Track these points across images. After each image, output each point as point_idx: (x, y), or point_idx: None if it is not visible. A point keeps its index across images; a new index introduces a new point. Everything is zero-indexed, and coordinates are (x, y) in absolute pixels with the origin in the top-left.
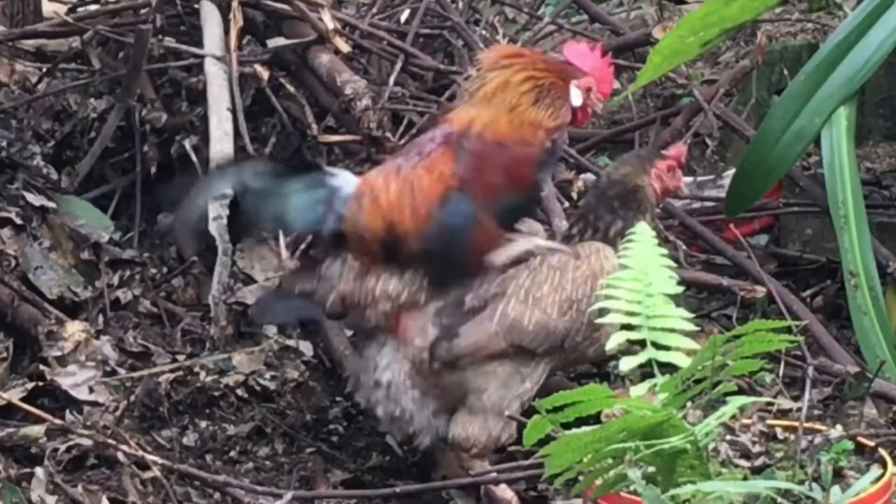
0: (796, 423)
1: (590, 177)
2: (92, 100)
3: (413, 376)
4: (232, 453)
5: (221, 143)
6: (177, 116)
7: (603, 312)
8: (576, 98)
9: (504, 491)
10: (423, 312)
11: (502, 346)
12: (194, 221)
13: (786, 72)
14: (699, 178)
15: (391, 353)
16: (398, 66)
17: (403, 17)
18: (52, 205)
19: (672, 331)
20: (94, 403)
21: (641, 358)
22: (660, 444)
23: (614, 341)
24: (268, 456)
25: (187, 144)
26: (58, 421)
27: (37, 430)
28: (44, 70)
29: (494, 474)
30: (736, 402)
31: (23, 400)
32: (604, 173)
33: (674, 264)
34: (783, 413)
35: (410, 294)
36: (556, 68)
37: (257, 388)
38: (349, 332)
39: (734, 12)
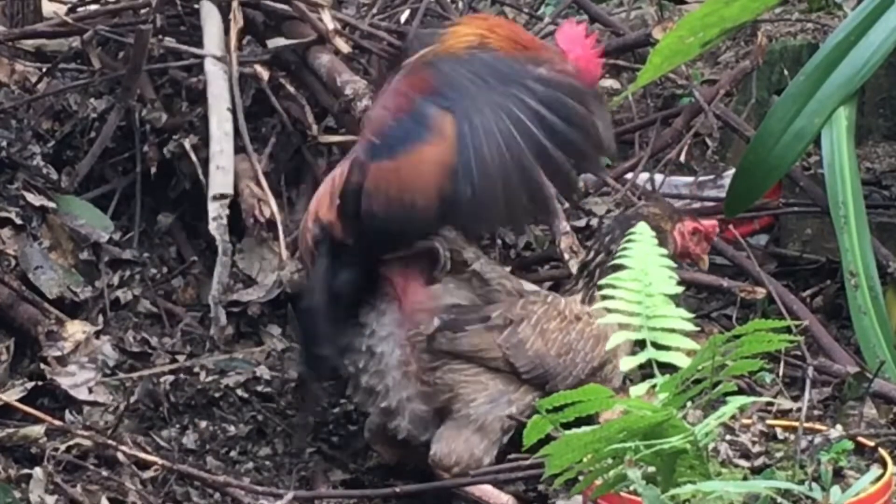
0: (796, 423)
1: (590, 177)
2: (92, 100)
3: (406, 357)
4: (232, 453)
5: (221, 143)
6: (177, 116)
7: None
8: None
9: (498, 497)
10: (437, 302)
11: (498, 358)
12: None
13: (786, 72)
14: (699, 178)
15: (392, 325)
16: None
17: (403, 17)
18: (52, 205)
19: (672, 331)
20: (94, 403)
21: (641, 358)
22: (660, 444)
23: (614, 341)
24: (268, 456)
25: (187, 144)
26: (57, 421)
27: (37, 430)
28: (44, 70)
29: (495, 474)
30: (736, 402)
31: (23, 400)
32: (635, 207)
33: (674, 264)
34: (783, 413)
35: None
36: (522, 42)
37: (257, 388)
38: None
39: (734, 12)
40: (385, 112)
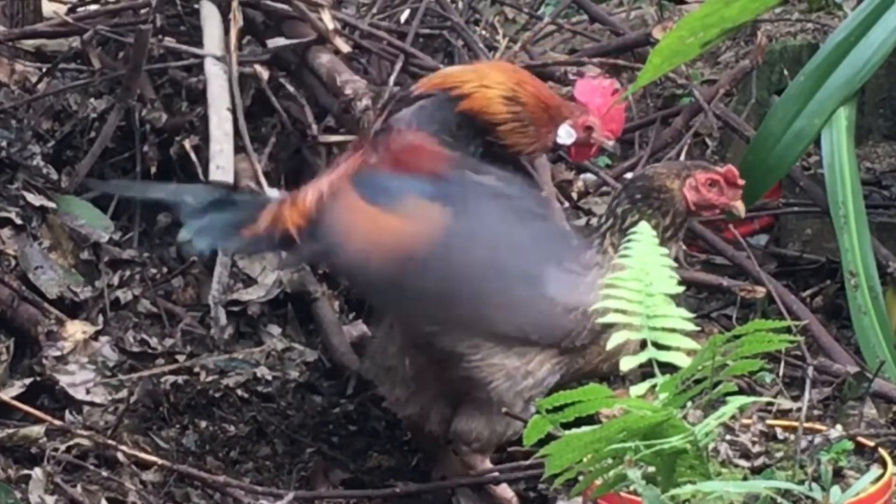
0: (796, 423)
1: (590, 177)
2: (92, 100)
3: (417, 367)
4: (232, 453)
5: (221, 143)
6: (177, 116)
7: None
8: (565, 137)
9: (504, 490)
10: None
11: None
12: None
13: (786, 72)
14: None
15: (399, 338)
16: (398, 66)
17: (403, 17)
18: (52, 205)
19: (672, 331)
20: (94, 404)
21: (641, 358)
22: (660, 444)
23: (614, 341)
24: (268, 456)
25: (187, 144)
26: (57, 421)
27: (37, 430)
28: (44, 70)
29: (495, 474)
30: (736, 402)
31: (22, 400)
32: (642, 168)
33: (674, 264)
34: (783, 413)
35: None
36: (545, 100)
37: (257, 388)
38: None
39: (734, 13)
40: (393, 157)
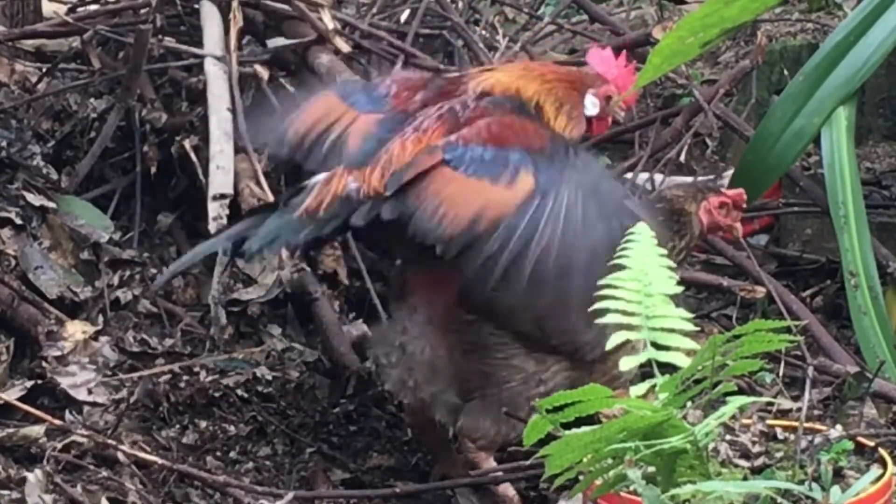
0: (796, 423)
1: None
2: (92, 100)
3: (435, 354)
4: (232, 453)
5: (221, 143)
6: (177, 116)
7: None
8: (591, 108)
9: (507, 489)
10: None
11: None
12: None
13: (786, 72)
14: (699, 178)
15: (423, 323)
16: (398, 66)
17: (403, 17)
18: (52, 205)
19: (672, 331)
20: (94, 403)
21: (641, 358)
22: (660, 444)
23: (614, 341)
24: (268, 456)
25: (187, 144)
26: (57, 421)
27: (37, 430)
28: (44, 70)
29: (497, 473)
30: (736, 402)
31: (23, 400)
32: (659, 189)
33: (673, 264)
34: (783, 413)
35: None
36: (569, 77)
37: (257, 388)
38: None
39: (734, 13)
40: (488, 130)
